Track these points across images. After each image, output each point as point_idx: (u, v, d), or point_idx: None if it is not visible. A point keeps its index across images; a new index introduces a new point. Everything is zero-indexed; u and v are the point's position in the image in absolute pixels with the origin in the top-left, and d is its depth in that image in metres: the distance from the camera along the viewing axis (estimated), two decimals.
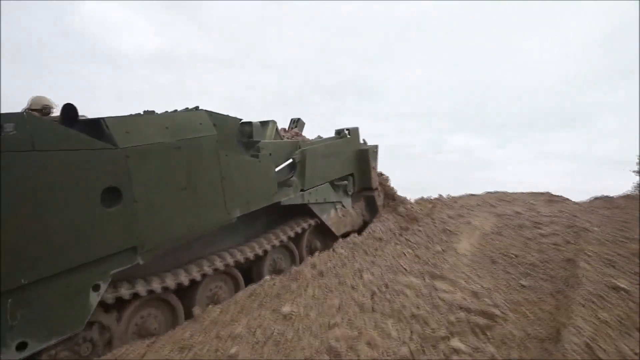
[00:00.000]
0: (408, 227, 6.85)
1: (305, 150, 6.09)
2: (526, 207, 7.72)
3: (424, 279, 4.92)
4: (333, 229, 6.51)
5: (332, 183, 6.61)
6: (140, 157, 3.80)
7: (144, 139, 3.86)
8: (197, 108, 4.69)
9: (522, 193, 8.96)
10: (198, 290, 4.56)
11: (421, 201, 8.73)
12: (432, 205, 8.14)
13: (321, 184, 6.28)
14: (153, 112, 4.48)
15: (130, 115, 4.07)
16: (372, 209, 7.57)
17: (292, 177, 5.85)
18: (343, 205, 6.81)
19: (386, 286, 4.67)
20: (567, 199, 8.31)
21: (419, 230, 6.71)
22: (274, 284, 4.75)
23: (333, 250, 5.64)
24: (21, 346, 3.09)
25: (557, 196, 8.45)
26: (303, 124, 7.76)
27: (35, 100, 4.43)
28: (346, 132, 7.17)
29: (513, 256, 5.59)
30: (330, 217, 6.48)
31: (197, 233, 4.27)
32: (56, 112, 4.58)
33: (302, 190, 5.92)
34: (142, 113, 4.43)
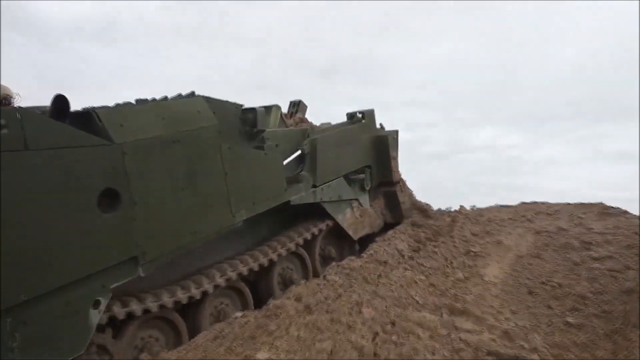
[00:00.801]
0: (420, 247, 6.84)
1: (316, 139, 6.32)
2: (573, 221, 7.73)
3: (442, 315, 4.91)
4: (350, 232, 6.78)
5: (346, 177, 6.85)
6: (138, 154, 4.09)
7: (140, 132, 4.16)
8: (193, 94, 4.97)
9: (568, 204, 8.95)
10: (203, 307, 4.88)
11: (438, 214, 8.72)
12: (452, 220, 8.12)
13: (334, 179, 6.56)
14: (146, 100, 4.73)
15: (123, 105, 4.44)
16: (392, 208, 7.81)
17: (301, 171, 6.12)
18: (360, 204, 7.07)
19: (392, 324, 4.67)
20: (626, 212, 8.30)
21: (435, 252, 6.70)
22: (246, 322, 4.66)
23: (324, 277, 5.60)
24: None
25: (613, 208, 8.44)
26: (305, 107, 8.01)
27: None
28: (359, 115, 7.39)
29: (556, 285, 5.59)
30: (346, 218, 6.74)
31: (200, 240, 4.61)
32: (16, 103, 4.81)
33: (313, 186, 6.20)
34: (134, 102, 4.71)
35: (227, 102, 5.18)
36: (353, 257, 6.27)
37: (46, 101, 4.87)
